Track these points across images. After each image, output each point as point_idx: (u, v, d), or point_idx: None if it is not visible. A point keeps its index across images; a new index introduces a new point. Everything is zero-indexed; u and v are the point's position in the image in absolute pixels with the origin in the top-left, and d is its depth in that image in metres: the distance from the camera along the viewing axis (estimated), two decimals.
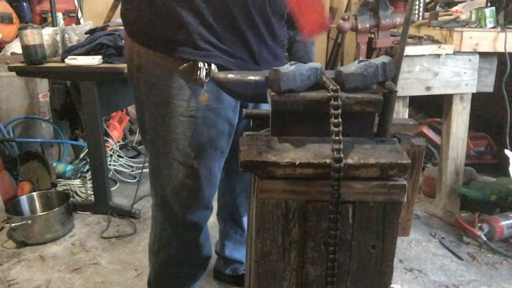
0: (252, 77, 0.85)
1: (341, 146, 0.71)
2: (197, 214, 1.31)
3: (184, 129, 1.17)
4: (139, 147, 3.38)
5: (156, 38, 1.10)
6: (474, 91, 2.17)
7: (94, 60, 2.09)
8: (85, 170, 2.77)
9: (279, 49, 1.21)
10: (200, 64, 1.06)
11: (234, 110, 1.22)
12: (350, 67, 0.79)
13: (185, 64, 1.08)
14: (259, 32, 1.12)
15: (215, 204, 1.51)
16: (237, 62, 1.12)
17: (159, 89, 1.15)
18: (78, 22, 3.44)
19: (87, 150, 2.54)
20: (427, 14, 2.42)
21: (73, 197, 2.57)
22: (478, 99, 2.25)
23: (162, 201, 1.32)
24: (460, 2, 2.53)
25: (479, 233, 2.01)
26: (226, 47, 1.10)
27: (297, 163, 0.73)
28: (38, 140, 2.79)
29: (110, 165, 2.88)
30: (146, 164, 2.65)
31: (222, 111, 1.18)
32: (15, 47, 2.84)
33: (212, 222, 1.52)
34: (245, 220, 1.69)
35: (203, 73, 1.06)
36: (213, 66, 1.07)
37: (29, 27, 2.15)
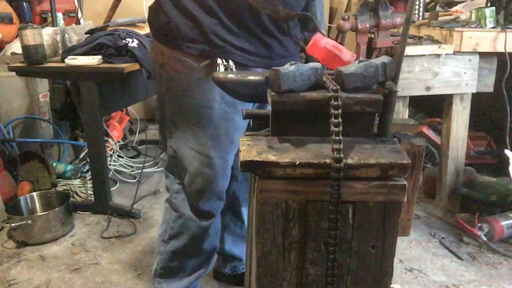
0: (251, 77, 0.85)
1: (341, 146, 0.71)
2: (210, 203, 1.38)
3: (201, 120, 1.25)
4: (139, 147, 3.38)
5: (178, 39, 1.19)
6: (474, 91, 2.17)
7: (94, 60, 2.09)
8: (85, 170, 2.77)
9: (291, 44, 1.27)
10: (219, 61, 1.16)
11: (250, 105, 1.28)
12: (350, 67, 0.79)
13: (206, 61, 1.17)
14: (267, 28, 1.18)
15: None
16: (253, 58, 1.20)
17: (179, 83, 1.24)
18: (78, 22, 3.44)
19: (87, 150, 2.54)
20: (427, 14, 2.42)
21: (73, 197, 2.57)
22: (478, 99, 2.25)
23: (180, 189, 1.39)
24: (460, 2, 2.53)
25: (479, 233, 2.01)
26: (242, 44, 1.18)
27: (297, 163, 0.73)
28: (38, 140, 2.79)
29: (110, 165, 2.88)
30: (146, 164, 2.66)
31: (239, 105, 1.24)
32: (15, 47, 2.84)
33: None
34: (244, 211, 1.70)
35: (222, 69, 1.15)
36: (230, 63, 1.16)
37: (29, 27, 2.15)
